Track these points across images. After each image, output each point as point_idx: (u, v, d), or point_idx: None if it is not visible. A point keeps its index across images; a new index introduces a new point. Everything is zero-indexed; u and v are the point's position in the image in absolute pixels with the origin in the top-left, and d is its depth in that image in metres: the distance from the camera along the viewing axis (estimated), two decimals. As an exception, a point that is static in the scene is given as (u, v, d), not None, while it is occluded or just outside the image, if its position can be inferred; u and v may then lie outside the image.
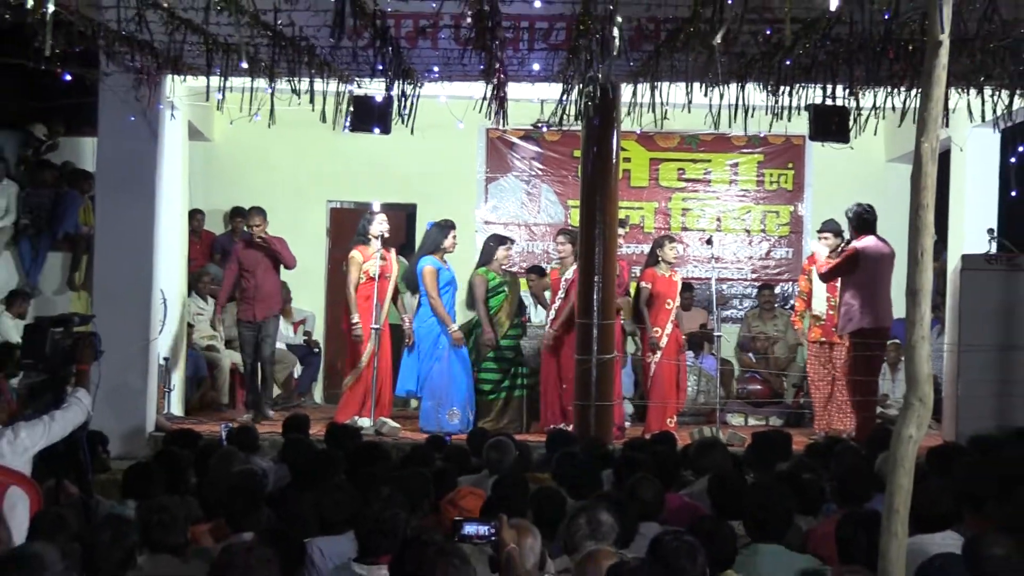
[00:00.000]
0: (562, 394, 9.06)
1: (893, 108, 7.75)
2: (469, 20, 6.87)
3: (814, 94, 7.94)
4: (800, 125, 8.40)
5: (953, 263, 9.43)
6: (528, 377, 9.37)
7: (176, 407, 9.45)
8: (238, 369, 10.05)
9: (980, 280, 9.06)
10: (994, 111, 7.75)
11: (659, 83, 7.54)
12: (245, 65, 7.12)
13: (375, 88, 8.04)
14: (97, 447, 6.39)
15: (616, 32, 6.12)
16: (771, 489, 4.83)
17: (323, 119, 7.70)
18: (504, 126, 9.08)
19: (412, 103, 7.89)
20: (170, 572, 4.17)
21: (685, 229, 11.44)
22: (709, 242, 9.79)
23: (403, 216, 11.47)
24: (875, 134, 8.51)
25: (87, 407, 4.99)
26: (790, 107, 7.81)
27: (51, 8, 4.95)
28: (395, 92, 7.85)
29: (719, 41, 5.48)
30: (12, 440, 4.64)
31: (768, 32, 6.57)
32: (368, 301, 8.97)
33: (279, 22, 6.65)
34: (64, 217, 10.38)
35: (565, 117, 7.87)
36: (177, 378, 9.46)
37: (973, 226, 9.35)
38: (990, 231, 9.29)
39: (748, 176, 11.49)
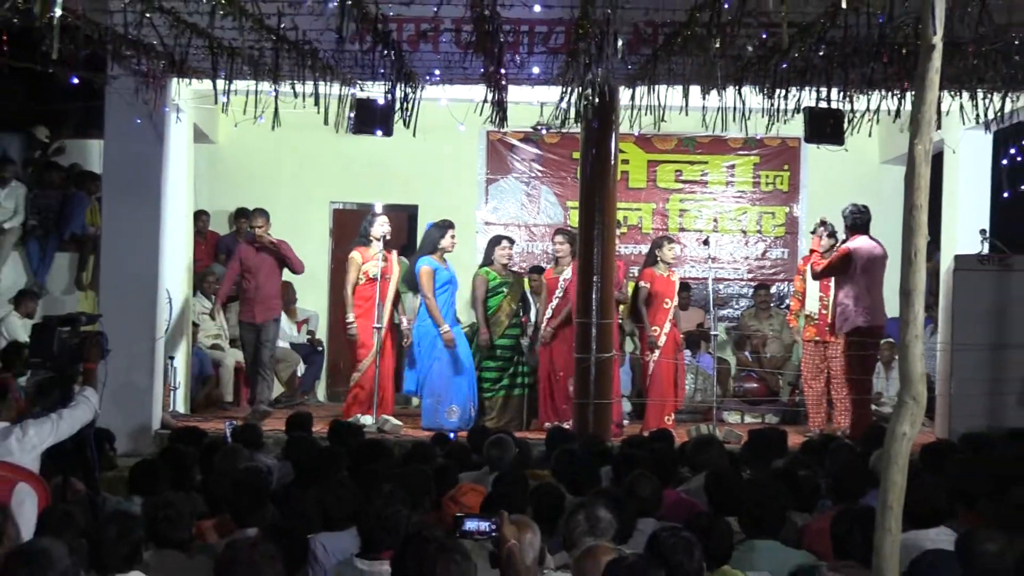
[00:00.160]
0: (555, 388, 9.13)
1: (888, 111, 7.83)
2: (470, 24, 6.95)
3: (809, 97, 7.97)
4: (795, 127, 8.44)
5: (946, 263, 9.48)
6: (528, 376, 9.43)
7: (181, 405, 9.52)
8: (242, 368, 10.09)
9: (972, 280, 9.12)
10: (986, 114, 7.77)
11: (657, 86, 7.56)
12: (249, 68, 7.18)
13: (377, 91, 8.09)
14: (104, 444, 6.41)
15: (615, 36, 6.18)
16: (767, 486, 4.86)
17: (326, 122, 7.69)
18: (504, 129, 9.12)
19: (414, 106, 7.92)
20: (175, 567, 4.17)
21: (682, 230, 11.45)
22: (706, 243, 9.87)
23: (405, 217, 11.52)
24: (869, 136, 8.58)
25: (94, 405, 5.00)
26: (786, 110, 7.82)
27: (58, 12, 4.98)
28: (397, 95, 7.89)
29: (717, 46, 5.54)
30: (21, 438, 4.67)
31: (764, 36, 6.60)
32: (368, 302, 9.02)
33: (283, 26, 6.65)
34: (71, 218, 10.43)
35: (564, 120, 7.91)
36: (182, 376, 9.53)
37: (965, 227, 9.39)
38: (982, 232, 9.33)
39: (744, 177, 11.52)
